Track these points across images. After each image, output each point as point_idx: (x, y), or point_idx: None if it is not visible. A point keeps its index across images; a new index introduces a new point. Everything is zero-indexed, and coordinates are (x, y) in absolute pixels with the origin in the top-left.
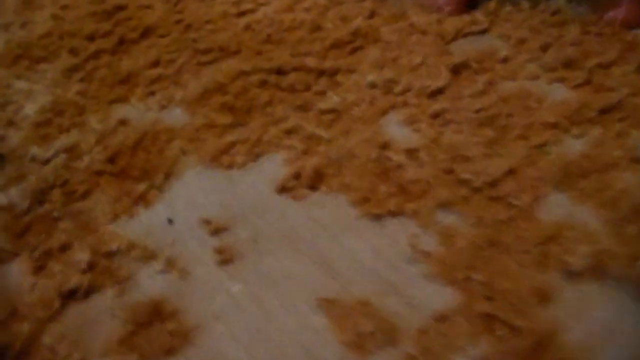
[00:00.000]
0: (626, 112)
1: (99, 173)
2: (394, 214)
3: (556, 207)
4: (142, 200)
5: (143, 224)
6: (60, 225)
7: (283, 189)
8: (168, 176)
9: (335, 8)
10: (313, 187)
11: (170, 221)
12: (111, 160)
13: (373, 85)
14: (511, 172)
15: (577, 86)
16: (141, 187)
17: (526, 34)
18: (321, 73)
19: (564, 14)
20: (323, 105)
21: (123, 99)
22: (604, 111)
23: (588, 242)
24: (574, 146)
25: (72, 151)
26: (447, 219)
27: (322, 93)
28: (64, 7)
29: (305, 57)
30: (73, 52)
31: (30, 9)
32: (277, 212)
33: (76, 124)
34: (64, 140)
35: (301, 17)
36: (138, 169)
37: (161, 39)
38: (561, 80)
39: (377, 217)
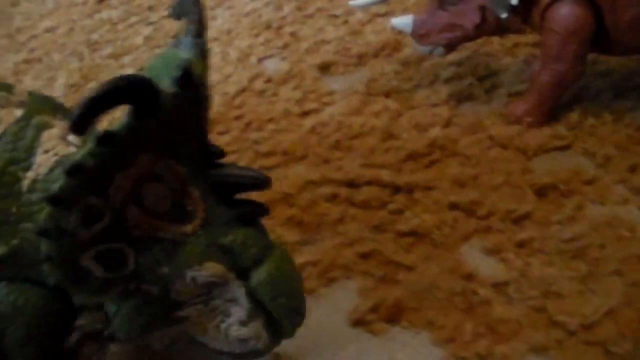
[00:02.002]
0: None
1: None
2: (482, 357)
3: None
4: None
5: None
6: None
7: (359, 322)
8: None
9: (408, 113)
10: (392, 321)
11: None
12: None
13: (454, 207)
14: (609, 313)
15: None
16: None
17: (612, 152)
18: (397, 189)
19: None
20: (401, 226)
21: None
22: None
23: None
24: None
25: None
26: None
27: (399, 212)
28: None
29: (379, 170)
30: None
31: None
32: (354, 349)
33: None
34: None
35: (371, 123)
36: None
37: (220, 137)
38: None
39: None
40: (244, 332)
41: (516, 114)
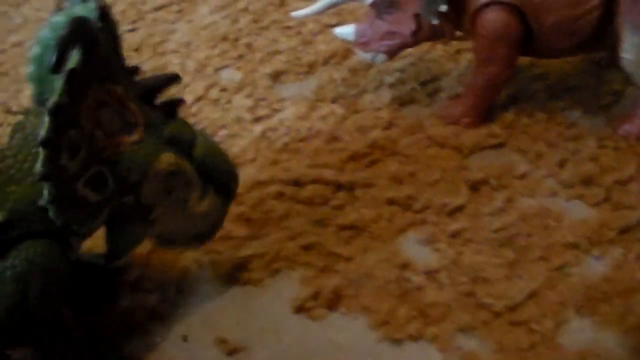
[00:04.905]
0: None
1: None
2: (414, 338)
3: (579, 333)
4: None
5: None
6: None
7: (301, 309)
8: (181, 290)
9: (352, 117)
10: (331, 307)
11: (184, 338)
12: None
13: (392, 202)
14: (532, 295)
15: (596, 204)
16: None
17: (543, 148)
18: (339, 187)
19: (580, 127)
20: (342, 221)
21: None
22: (624, 231)
23: None
24: (595, 268)
25: None
26: (468, 344)
27: (340, 208)
28: None
29: (323, 170)
30: None
31: None
32: (295, 334)
33: None
34: None
35: (318, 127)
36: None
37: None
38: (579, 197)
39: (397, 341)
40: (204, 205)
41: (454, 116)
